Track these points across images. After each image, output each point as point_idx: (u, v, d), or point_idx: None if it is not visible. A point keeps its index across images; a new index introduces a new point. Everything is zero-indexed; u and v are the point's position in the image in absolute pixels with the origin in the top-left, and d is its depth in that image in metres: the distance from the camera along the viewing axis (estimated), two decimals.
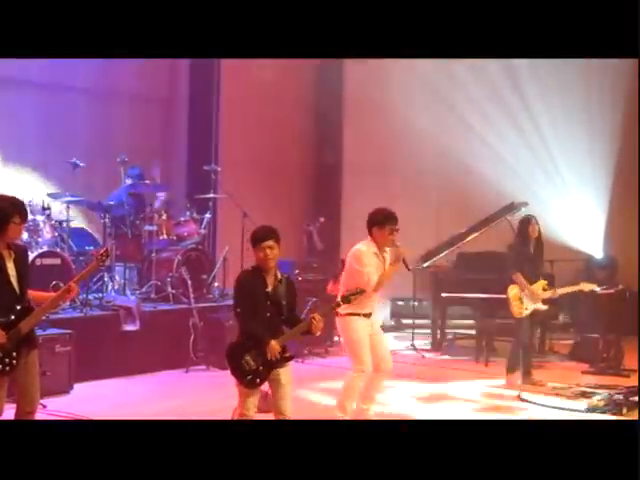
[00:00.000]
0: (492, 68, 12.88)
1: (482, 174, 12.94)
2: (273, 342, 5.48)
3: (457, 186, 13.01)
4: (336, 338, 10.25)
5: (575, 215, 13.30)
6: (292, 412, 5.65)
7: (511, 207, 10.90)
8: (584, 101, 13.09)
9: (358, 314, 6.78)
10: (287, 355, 5.61)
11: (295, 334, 5.64)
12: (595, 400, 7.94)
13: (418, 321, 11.94)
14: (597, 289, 9.24)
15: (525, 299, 8.75)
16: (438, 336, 11.47)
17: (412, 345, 11.29)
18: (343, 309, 6.71)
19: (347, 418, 6.77)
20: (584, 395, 8.30)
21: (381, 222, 6.82)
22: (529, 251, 8.89)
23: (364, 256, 6.78)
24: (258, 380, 5.51)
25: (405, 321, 12.68)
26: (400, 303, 12.98)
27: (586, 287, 8.97)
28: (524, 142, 13.42)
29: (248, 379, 5.48)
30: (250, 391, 5.52)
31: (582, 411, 7.72)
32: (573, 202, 13.33)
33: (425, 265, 11.40)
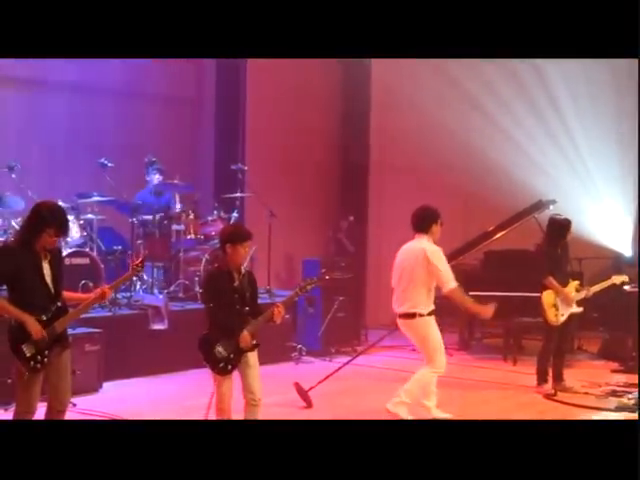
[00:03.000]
0: (520, 68, 12.82)
1: (510, 172, 12.88)
2: (245, 332, 5.84)
3: (485, 184, 12.95)
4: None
5: (603, 213, 13.19)
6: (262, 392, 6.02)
7: (539, 205, 10.82)
8: (613, 99, 12.98)
9: (434, 312, 7.07)
10: (255, 343, 5.96)
11: (262, 322, 5.97)
12: (625, 399, 7.88)
13: (446, 320, 11.87)
14: (627, 280, 8.87)
15: (560, 305, 8.40)
16: (466, 335, 11.44)
17: None
18: (422, 310, 6.97)
19: (432, 408, 7.09)
20: (614, 394, 8.24)
21: (437, 217, 7.10)
22: (557, 252, 8.58)
23: (439, 252, 7.09)
24: (230, 367, 5.88)
25: None
26: None
27: (618, 280, 8.66)
28: (552, 140, 13.33)
29: (220, 366, 5.87)
30: (223, 377, 5.89)
31: (612, 410, 7.66)
32: (601, 200, 13.22)
33: (453, 263, 11.35)
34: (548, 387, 8.50)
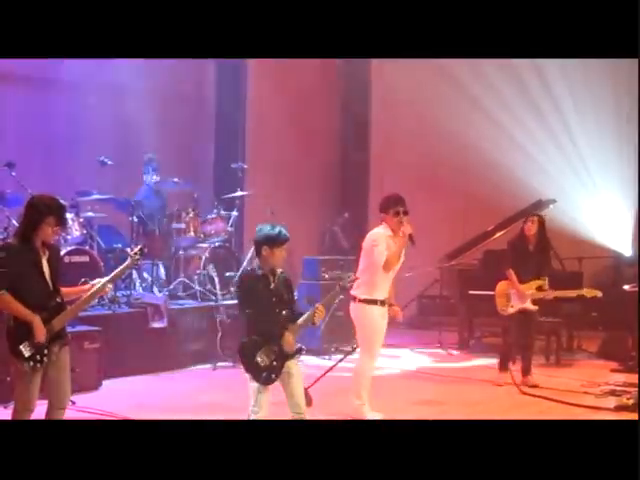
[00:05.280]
0: (521, 67, 12.81)
1: (510, 172, 12.89)
2: (288, 334, 5.58)
3: (485, 184, 12.96)
4: None
5: (604, 212, 13.20)
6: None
7: (539, 204, 10.84)
8: (613, 99, 12.98)
9: (375, 301, 6.93)
10: (297, 347, 5.70)
11: (303, 325, 5.70)
12: (624, 398, 7.88)
13: (445, 319, 11.89)
14: (599, 295, 8.81)
15: (512, 297, 8.65)
16: (465, 334, 11.44)
17: (439, 343, 11.27)
18: (360, 295, 6.91)
19: (364, 405, 6.98)
20: (613, 393, 8.24)
21: (386, 207, 7.01)
22: (527, 249, 8.71)
23: (376, 237, 6.98)
24: (273, 376, 5.58)
25: (432, 318, 12.65)
26: (427, 300, 12.96)
27: (589, 293, 8.69)
28: (552, 140, 13.34)
29: (264, 376, 5.55)
30: (264, 388, 5.58)
31: (611, 409, 7.67)
32: (602, 199, 13.22)
33: (452, 262, 11.38)
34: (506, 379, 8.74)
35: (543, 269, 8.76)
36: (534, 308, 8.66)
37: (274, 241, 5.64)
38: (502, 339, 9.16)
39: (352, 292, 6.95)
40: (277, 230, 5.74)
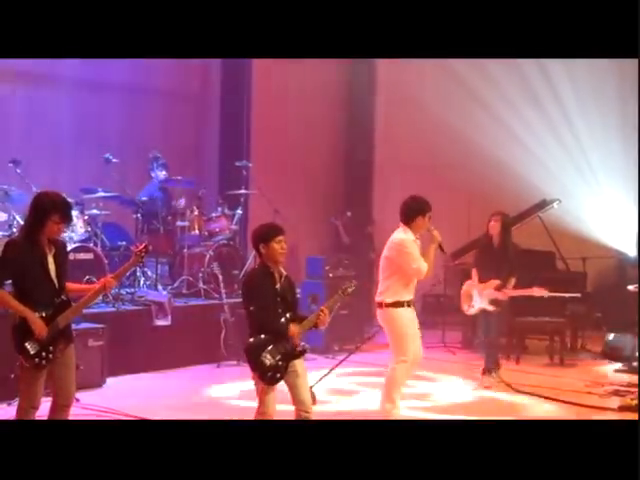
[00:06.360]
0: (525, 66, 12.80)
1: (514, 171, 12.88)
2: (292, 326, 5.55)
3: (489, 183, 12.95)
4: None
5: (608, 212, 13.18)
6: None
7: (543, 204, 10.84)
8: (617, 98, 12.96)
9: (402, 303, 6.80)
10: (304, 348, 5.67)
11: (307, 327, 5.67)
12: (628, 399, 7.88)
13: (449, 318, 11.88)
14: (546, 296, 8.83)
15: (474, 297, 8.61)
16: (469, 333, 11.44)
17: (443, 342, 11.26)
18: (386, 299, 6.79)
19: (396, 409, 6.82)
20: (617, 394, 8.24)
21: (423, 210, 6.94)
22: (491, 248, 8.70)
23: (406, 242, 6.85)
24: (278, 375, 5.55)
25: (436, 318, 12.63)
26: (431, 299, 12.95)
27: (537, 292, 8.70)
28: (556, 139, 13.32)
29: (269, 376, 5.53)
30: (269, 388, 5.57)
31: (614, 410, 7.67)
32: (606, 199, 13.21)
33: (456, 262, 11.38)
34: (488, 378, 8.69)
35: (505, 268, 8.59)
36: (491, 308, 8.51)
37: (266, 236, 5.64)
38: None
39: (377, 299, 6.88)
40: (265, 225, 5.79)
